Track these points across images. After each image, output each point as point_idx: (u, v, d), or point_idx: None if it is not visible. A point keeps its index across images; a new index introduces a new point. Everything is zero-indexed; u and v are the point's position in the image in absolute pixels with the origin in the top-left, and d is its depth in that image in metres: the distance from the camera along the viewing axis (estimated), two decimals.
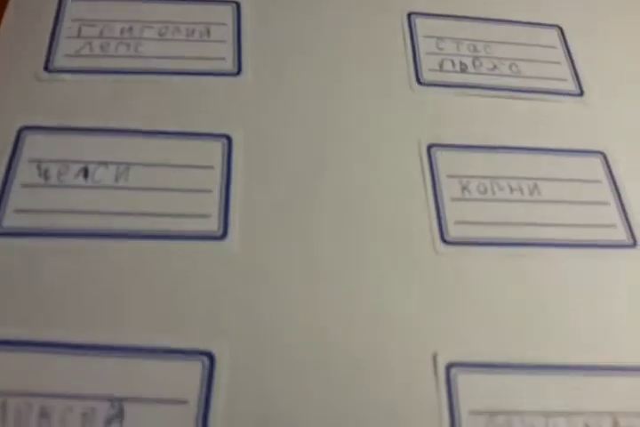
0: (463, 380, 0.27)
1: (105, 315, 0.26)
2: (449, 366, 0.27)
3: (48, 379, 0.24)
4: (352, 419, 0.25)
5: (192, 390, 0.25)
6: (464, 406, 0.26)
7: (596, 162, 0.34)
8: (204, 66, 0.34)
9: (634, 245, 0.32)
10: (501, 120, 0.35)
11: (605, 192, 0.33)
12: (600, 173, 0.34)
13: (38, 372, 0.24)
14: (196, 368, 0.25)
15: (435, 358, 0.27)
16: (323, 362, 0.26)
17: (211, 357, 0.25)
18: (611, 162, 0.34)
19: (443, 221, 0.31)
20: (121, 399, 0.24)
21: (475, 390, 0.26)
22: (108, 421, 0.24)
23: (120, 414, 0.24)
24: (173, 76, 0.33)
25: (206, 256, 0.28)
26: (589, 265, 0.31)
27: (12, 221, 0.28)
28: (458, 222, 0.31)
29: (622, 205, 0.33)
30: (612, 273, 0.31)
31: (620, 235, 0.32)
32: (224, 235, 0.28)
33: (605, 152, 0.34)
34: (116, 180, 0.29)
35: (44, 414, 0.24)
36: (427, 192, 0.32)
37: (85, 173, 0.29)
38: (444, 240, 0.30)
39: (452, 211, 0.31)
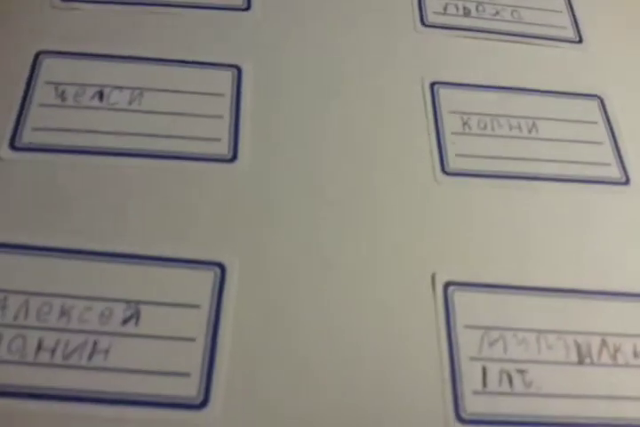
0: (460, 297, 0.28)
1: (125, 227, 0.27)
2: (447, 285, 0.28)
3: (68, 282, 0.25)
4: (351, 329, 0.27)
5: (204, 296, 0.26)
6: (460, 322, 0.27)
7: (593, 105, 0.35)
8: (215, 0, 0.35)
9: (626, 182, 0.33)
10: (502, 62, 0.36)
11: (601, 133, 0.34)
12: (596, 114, 0.35)
13: (59, 275, 0.26)
14: (208, 277, 0.26)
15: (433, 277, 0.28)
16: (323, 276, 0.28)
17: (222, 267, 0.27)
18: (607, 105, 0.35)
19: (443, 154, 0.32)
20: (137, 302, 0.25)
21: (471, 308, 0.28)
22: (125, 321, 0.25)
23: (136, 315, 0.25)
24: (187, 8, 0.34)
25: (217, 177, 0.29)
26: (583, 199, 0.32)
27: (30, 137, 0.29)
28: (458, 155, 0.32)
29: (616, 145, 0.34)
30: (605, 208, 0.32)
31: (614, 173, 0.33)
32: (234, 158, 0.30)
33: (602, 96, 0.36)
34: (130, 103, 0.30)
35: (64, 312, 0.25)
36: (429, 126, 0.33)
37: (101, 95, 0.30)
38: (444, 171, 0.32)
39: (453, 144, 0.32)
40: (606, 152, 0.34)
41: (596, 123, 0.35)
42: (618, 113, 0.35)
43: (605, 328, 0.28)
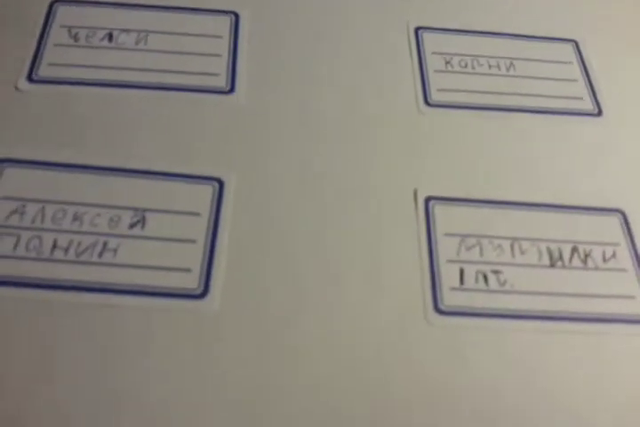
0: (439, 210, 0.30)
1: (133, 146, 0.30)
2: (427, 200, 0.31)
3: (81, 192, 0.28)
4: (340, 235, 0.29)
5: (204, 206, 0.28)
6: (440, 231, 0.30)
7: (568, 48, 0.38)
8: None
9: (599, 114, 0.35)
10: (484, 8, 0.39)
11: (575, 71, 0.37)
12: (571, 56, 0.37)
13: (72, 187, 0.28)
14: (208, 190, 0.29)
15: (415, 193, 0.31)
16: (313, 189, 0.30)
17: (220, 182, 0.29)
18: (581, 47, 0.38)
19: (427, 88, 0.34)
20: (143, 210, 0.28)
21: (449, 219, 0.30)
22: (132, 225, 0.28)
23: (142, 221, 0.28)
24: None
25: (217, 106, 0.32)
26: (558, 130, 0.34)
27: (46, 71, 0.32)
28: (440, 90, 0.35)
29: (590, 81, 0.36)
30: (579, 136, 0.34)
31: (587, 105, 0.35)
32: (231, 90, 0.32)
33: (577, 40, 0.38)
34: (137, 43, 0.33)
35: (76, 217, 0.28)
36: (413, 65, 0.35)
37: (110, 37, 0.33)
38: (427, 103, 0.34)
39: (435, 80, 0.35)
40: (580, 87, 0.36)
41: (571, 63, 0.37)
42: (591, 53, 0.37)
43: (576, 237, 0.30)
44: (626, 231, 0.31)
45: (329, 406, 0.25)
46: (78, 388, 0.24)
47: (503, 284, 0.28)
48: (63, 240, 0.27)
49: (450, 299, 0.28)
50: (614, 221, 0.31)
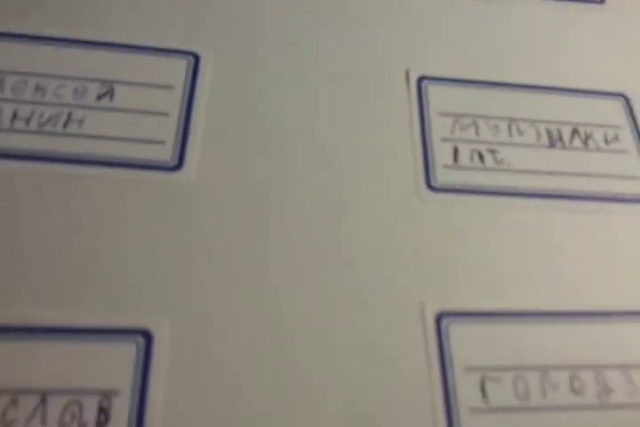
0: (433, 90, 0.28)
1: (105, 18, 0.27)
2: (420, 79, 0.28)
3: (43, 64, 0.26)
4: (322, 116, 0.27)
5: (178, 80, 0.26)
6: (433, 110, 0.28)
7: None
8: None
9: (601, 1, 0.33)
10: None
11: None
12: None
13: (34, 58, 0.26)
14: (182, 64, 0.27)
15: (407, 73, 0.29)
16: (302, 74, 0.28)
17: (196, 57, 0.27)
18: None
19: None
20: (111, 81, 0.26)
21: (443, 99, 0.28)
22: (99, 97, 0.25)
23: (110, 92, 0.26)
24: None
25: None
26: (561, 17, 0.32)
27: None
28: None
29: None
30: (582, 24, 0.32)
31: None
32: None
33: None
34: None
35: (38, 88, 0.25)
36: None
37: None
38: None
39: None
40: None
41: None
42: None
43: (577, 119, 0.29)
44: (629, 114, 0.29)
45: (312, 273, 0.23)
46: (44, 260, 0.22)
47: (500, 162, 0.27)
48: (24, 111, 0.25)
49: (443, 176, 0.26)
50: (617, 104, 0.29)
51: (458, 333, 0.23)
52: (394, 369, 0.22)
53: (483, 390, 0.22)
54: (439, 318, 0.23)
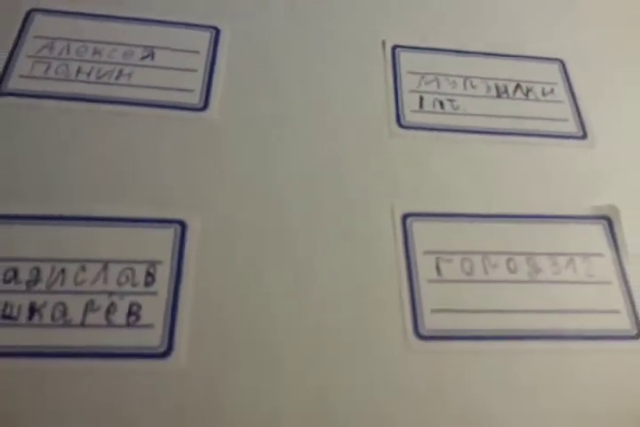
0: (404, 57, 0.36)
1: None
2: (394, 48, 0.36)
3: (99, 34, 0.33)
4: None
5: (203, 47, 0.34)
6: (403, 70, 0.35)
7: None
8: None
9: None
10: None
11: None
12: None
13: (93, 31, 0.33)
14: (205, 37, 0.34)
15: (384, 43, 0.36)
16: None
17: (217, 30, 0.35)
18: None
19: None
20: (152, 47, 0.33)
21: (412, 62, 0.35)
22: (142, 57, 0.33)
23: (151, 55, 0.33)
24: None
25: None
26: None
27: None
28: None
29: None
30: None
31: None
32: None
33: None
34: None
35: (96, 51, 0.33)
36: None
37: None
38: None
39: None
40: None
41: None
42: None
43: (520, 77, 0.36)
44: (563, 74, 0.36)
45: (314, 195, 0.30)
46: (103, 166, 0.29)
47: (457, 108, 0.34)
48: (86, 67, 0.32)
49: (410, 118, 0.33)
50: (554, 66, 0.36)
51: (419, 228, 0.29)
52: (371, 253, 0.29)
53: (437, 267, 0.28)
54: (405, 217, 0.30)
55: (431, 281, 0.28)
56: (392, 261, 0.29)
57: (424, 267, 0.28)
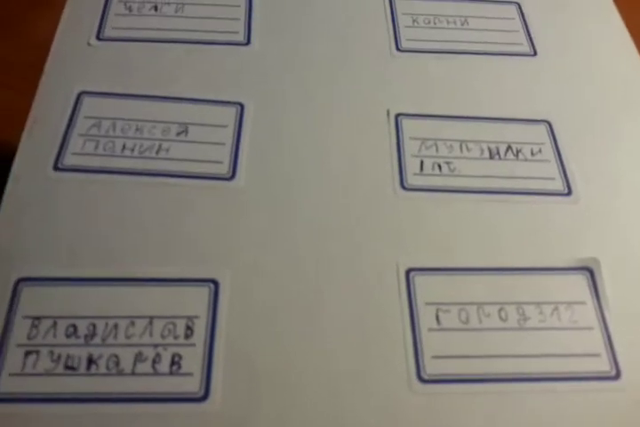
0: (406, 124, 0.40)
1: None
2: (397, 116, 0.40)
3: (141, 113, 0.39)
4: None
5: (230, 122, 0.39)
6: (406, 136, 0.39)
7: None
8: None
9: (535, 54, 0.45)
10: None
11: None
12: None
13: (135, 110, 0.39)
14: (231, 112, 0.39)
15: (388, 112, 0.40)
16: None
17: (241, 106, 0.39)
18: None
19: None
20: (186, 123, 0.38)
21: (413, 129, 0.40)
22: (178, 133, 0.38)
23: (185, 131, 0.38)
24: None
25: None
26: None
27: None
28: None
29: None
30: (512, 68, 0.44)
31: None
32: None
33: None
34: (176, 11, 0.44)
35: (138, 129, 0.38)
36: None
37: (155, 8, 0.44)
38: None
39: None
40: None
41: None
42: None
43: (511, 139, 0.40)
44: (550, 134, 0.40)
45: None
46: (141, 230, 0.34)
47: (453, 170, 0.38)
48: (130, 144, 0.37)
49: (413, 181, 0.37)
50: (541, 127, 0.40)
51: (421, 281, 0.33)
52: (377, 304, 0.33)
53: (437, 317, 0.32)
54: (408, 272, 0.34)
55: (431, 330, 0.32)
56: (396, 311, 0.33)
57: (425, 317, 0.32)
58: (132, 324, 0.31)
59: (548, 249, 0.35)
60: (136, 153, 0.37)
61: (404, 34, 0.45)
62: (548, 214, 0.37)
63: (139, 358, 0.30)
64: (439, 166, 0.38)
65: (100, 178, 0.36)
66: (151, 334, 0.31)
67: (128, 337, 0.31)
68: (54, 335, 0.31)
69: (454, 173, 0.38)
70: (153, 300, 0.32)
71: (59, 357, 0.30)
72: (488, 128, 0.40)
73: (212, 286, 0.33)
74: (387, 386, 0.30)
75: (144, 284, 0.33)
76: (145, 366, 0.30)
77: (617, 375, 0.31)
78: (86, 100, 0.39)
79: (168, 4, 0.44)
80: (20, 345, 0.30)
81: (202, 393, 0.30)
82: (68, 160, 0.37)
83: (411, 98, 0.41)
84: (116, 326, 0.31)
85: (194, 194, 0.36)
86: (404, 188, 0.37)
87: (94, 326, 0.31)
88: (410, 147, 0.39)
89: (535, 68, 0.44)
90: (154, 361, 0.30)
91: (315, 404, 0.30)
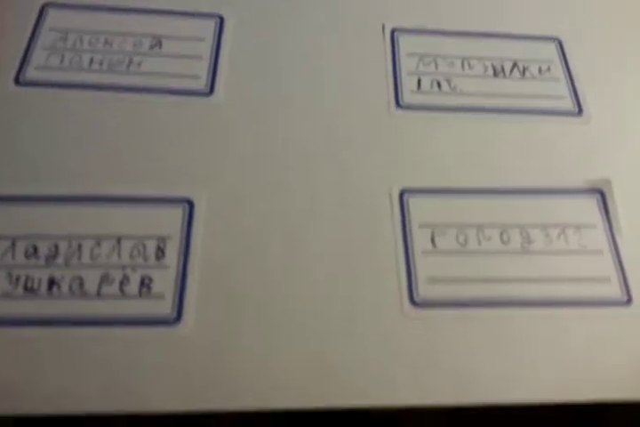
0: (403, 40, 0.37)
1: None
2: (393, 31, 0.37)
3: (110, 26, 0.35)
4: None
5: (209, 35, 0.35)
6: (403, 52, 0.36)
7: None
8: None
9: None
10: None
11: None
12: None
13: (103, 23, 0.35)
14: (210, 26, 0.36)
15: (383, 27, 0.37)
16: None
17: (221, 18, 0.36)
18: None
19: None
20: (159, 36, 0.35)
21: (411, 45, 0.36)
22: (151, 46, 0.34)
23: (159, 43, 0.35)
24: None
25: None
26: None
27: None
28: None
29: None
30: None
31: None
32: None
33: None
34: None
35: (107, 42, 0.34)
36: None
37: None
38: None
39: None
40: None
41: None
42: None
43: (517, 56, 0.36)
44: (560, 52, 0.37)
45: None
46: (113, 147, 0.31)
47: (454, 88, 0.35)
48: (98, 57, 0.34)
49: (409, 99, 0.34)
50: (551, 45, 0.37)
51: (415, 203, 0.31)
52: (369, 226, 0.30)
53: (432, 239, 0.30)
54: (402, 194, 0.31)
55: (425, 252, 0.29)
56: (389, 233, 0.30)
57: (419, 239, 0.30)
58: (98, 244, 0.28)
59: (555, 170, 0.32)
60: (105, 67, 0.34)
61: None
62: (557, 135, 0.34)
63: (105, 279, 0.28)
64: (438, 84, 0.35)
65: (65, 93, 0.33)
66: (119, 255, 0.28)
67: (93, 258, 0.28)
68: (13, 256, 0.28)
69: (455, 91, 0.35)
70: (121, 220, 0.29)
71: (17, 278, 0.27)
72: (493, 45, 0.37)
73: (186, 205, 0.30)
74: (377, 310, 0.28)
75: (111, 203, 0.30)
76: (111, 289, 0.27)
77: (628, 301, 0.29)
78: (51, 12, 0.36)
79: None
80: None
81: (174, 316, 0.27)
82: (31, 74, 0.33)
83: (407, 12, 0.38)
84: (80, 246, 0.28)
85: (168, 110, 0.33)
86: (399, 106, 0.34)
87: (56, 246, 0.28)
88: (407, 64, 0.36)
89: None
90: (121, 283, 0.28)
91: (298, 329, 0.27)
